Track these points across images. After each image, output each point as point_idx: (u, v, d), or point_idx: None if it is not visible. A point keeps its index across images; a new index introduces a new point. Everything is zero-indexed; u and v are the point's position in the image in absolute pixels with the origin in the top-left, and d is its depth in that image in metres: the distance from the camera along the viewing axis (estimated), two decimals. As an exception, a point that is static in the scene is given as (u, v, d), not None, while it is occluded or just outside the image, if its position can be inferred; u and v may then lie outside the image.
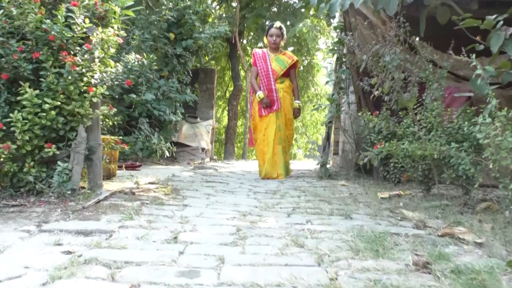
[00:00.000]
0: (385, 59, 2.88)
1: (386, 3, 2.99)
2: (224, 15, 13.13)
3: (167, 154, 6.36)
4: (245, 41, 15.46)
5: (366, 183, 4.61)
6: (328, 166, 5.41)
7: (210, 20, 9.62)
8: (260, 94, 4.89)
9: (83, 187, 2.82)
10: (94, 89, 2.62)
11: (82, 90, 2.62)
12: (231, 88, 17.82)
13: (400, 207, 2.87)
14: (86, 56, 2.61)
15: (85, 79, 2.63)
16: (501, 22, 2.46)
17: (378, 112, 4.74)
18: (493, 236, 1.96)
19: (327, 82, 6.18)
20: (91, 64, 2.65)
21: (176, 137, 7.48)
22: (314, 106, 7.04)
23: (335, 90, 5.64)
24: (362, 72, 5.23)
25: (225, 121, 17.39)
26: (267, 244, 1.77)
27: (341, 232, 2.01)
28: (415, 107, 3.29)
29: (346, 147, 6.45)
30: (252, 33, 15.23)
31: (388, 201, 3.13)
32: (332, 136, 7.64)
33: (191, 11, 7.96)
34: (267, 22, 13.47)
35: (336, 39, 5.55)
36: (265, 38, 5.21)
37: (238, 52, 13.32)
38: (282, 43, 5.23)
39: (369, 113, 4.73)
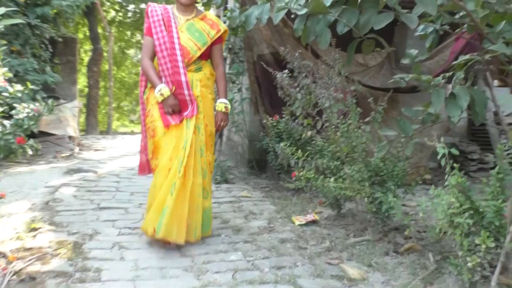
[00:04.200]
0: (321, 101, 2.70)
1: (319, 35, 2.78)
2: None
3: (30, 152, 5.35)
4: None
5: (267, 191, 4.55)
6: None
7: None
8: (164, 90, 2.71)
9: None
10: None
11: None
12: (86, 46, 16.04)
13: (328, 248, 2.85)
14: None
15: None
16: (439, 79, 2.46)
17: (277, 115, 4.64)
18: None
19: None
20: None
21: (36, 125, 6.35)
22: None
23: (227, 85, 5.34)
24: (260, 69, 5.04)
25: (81, 84, 15.64)
26: None
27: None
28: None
29: (234, 137, 6.28)
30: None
31: (312, 235, 3.08)
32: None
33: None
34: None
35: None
36: None
37: (97, 10, 11.83)
38: None
39: (270, 118, 4.61)
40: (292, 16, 3.05)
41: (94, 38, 11.82)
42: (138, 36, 17.18)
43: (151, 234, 2.67)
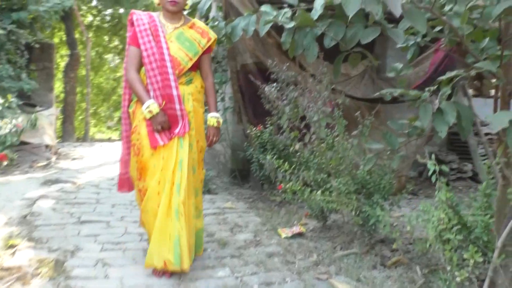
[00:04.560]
0: (310, 114, 2.69)
1: (306, 48, 2.78)
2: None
3: (4, 163, 5.19)
4: None
5: (251, 202, 4.52)
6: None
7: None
8: (152, 106, 2.49)
9: None
10: None
11: None
12: (62, 51, 15.73)
13: (316, 262, 2.83)
14: None
15: None
16: (426, 94, 2.49)
17: (261, 124, 4.63)
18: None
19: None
20: None
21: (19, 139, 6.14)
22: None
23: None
24: (243, 79, 5.03)
25: (56, 89, 15.31)
26: None
27: None
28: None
29: (216, 147, 6.22)
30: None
31: (299, 248, 3.06)
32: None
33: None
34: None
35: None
36: None
37: (74, 14, 11.62)
38: (189, 2, 2.91)
39: (253, 127, 4.59)
40: (272, 23, 3.04)
41: (71, 43, 11.59)
42: (116, 41, 16.95)
43: (161, 267, 2.42)
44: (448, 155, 5.39)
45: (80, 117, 16.71)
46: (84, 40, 13.68)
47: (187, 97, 2.62)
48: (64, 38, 13.39)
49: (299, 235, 3.35)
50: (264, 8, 3.02)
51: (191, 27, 2.74)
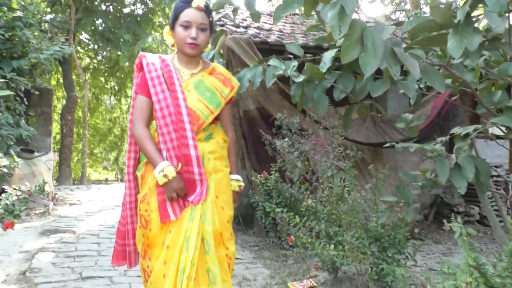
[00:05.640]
0: (323, 170, 2.64)
1: (316, 101, 2.77)
2: (56, 18, 11.31)
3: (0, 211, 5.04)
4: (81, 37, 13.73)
5: (257, 250, 4.40)
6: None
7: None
8: (168, 169, 1.99)
9: None
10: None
11: None
12: (58, 93, 15.79)
13: (332, 321, 2.72)
14: None
15: None
16: (443, 148, 2.46)
17: (264, 170, 4.59)
18: None
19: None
20: None
21: (8, 181, 6.04)
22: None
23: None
24: (246, 125, 5.03)
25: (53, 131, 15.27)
26: None
27: None
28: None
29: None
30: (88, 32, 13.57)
31: (312, 306, 2.95)
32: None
33: (22, 24, 6.51)
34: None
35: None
36: (167, 32, 2.20)
37: (72, 58, 11.72)
38: (209, 47, 2.30)
39: (257, 174, 4.55)
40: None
41: (68, 86, 11.63)
42: (112, 82, 17.08)
43: None
44: (453, 198, 5.33)
45: (76, 158, 16.59)
46: (81, 82, 13.76)
47: (207, 156, 2.11)
48: (60, 80, 13.47)
49: (311, 289, 3.24)
50: (272, 62, 3.02)
51: (211, 73, 2.23)
